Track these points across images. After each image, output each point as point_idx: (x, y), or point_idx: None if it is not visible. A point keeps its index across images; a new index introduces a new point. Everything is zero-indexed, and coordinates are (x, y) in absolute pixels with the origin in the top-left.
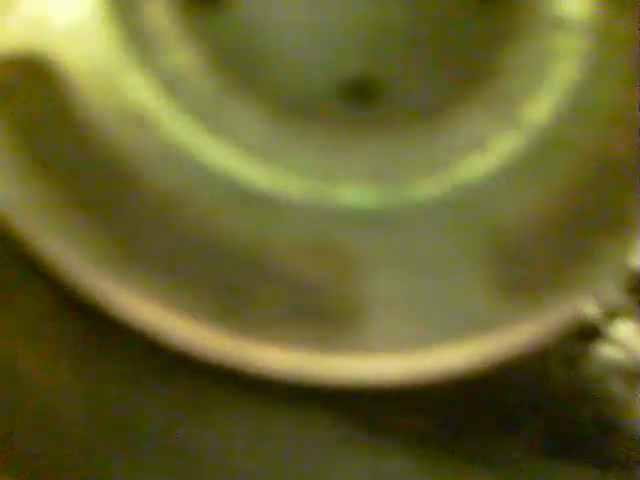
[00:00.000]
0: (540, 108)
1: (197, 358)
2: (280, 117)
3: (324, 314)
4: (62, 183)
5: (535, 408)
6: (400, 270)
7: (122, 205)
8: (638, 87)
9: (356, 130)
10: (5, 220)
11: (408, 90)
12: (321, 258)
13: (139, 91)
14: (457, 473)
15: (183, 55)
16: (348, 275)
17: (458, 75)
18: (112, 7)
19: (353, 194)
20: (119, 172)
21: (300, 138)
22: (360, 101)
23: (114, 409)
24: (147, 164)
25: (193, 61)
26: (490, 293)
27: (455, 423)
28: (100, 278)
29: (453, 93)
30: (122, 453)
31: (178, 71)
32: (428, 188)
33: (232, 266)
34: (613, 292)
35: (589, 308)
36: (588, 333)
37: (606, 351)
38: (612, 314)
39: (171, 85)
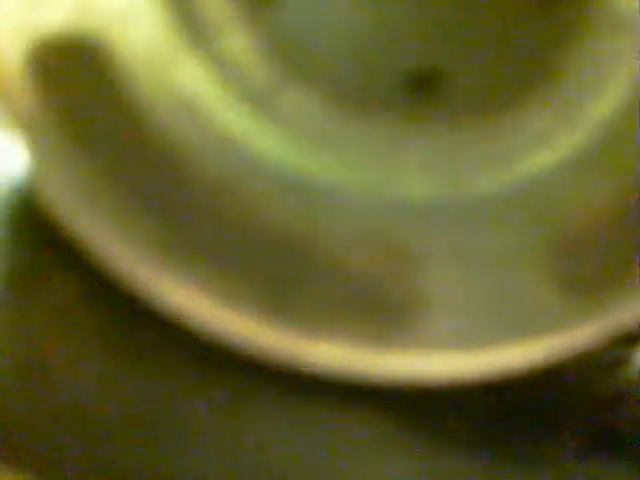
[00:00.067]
0: (604, 105)
1: (240, 351)
2: (339, 105)
3: (379, 309)
4: (108, 167)
5: (577, 410)
6: (460, 265)
7: (169, 190)
8: None
9: (417, 121)
10: (43, 204)
11: (473, 83)
12: (377, 251)
13: (192, 77)
14: (501, 473)
15: (238, 41)
16: (405, 269)
17: (522, 71)
18: None
19: (412, 186)
20: (168, 157)
21: (359, 127)
22: (423, 92)
23: (146, 405)
24: (197, 150)
25: (249, 47)
26: (552, 291)
27: (497, 424)
28: (141, 264)
29: (517, 88)
30: (154, 450)
31: (233, 57)
32: (490, 182)
33: (282, 256)
34: None
35: None
36: (632, 337)
37: None
38: None
39: (225, 71)
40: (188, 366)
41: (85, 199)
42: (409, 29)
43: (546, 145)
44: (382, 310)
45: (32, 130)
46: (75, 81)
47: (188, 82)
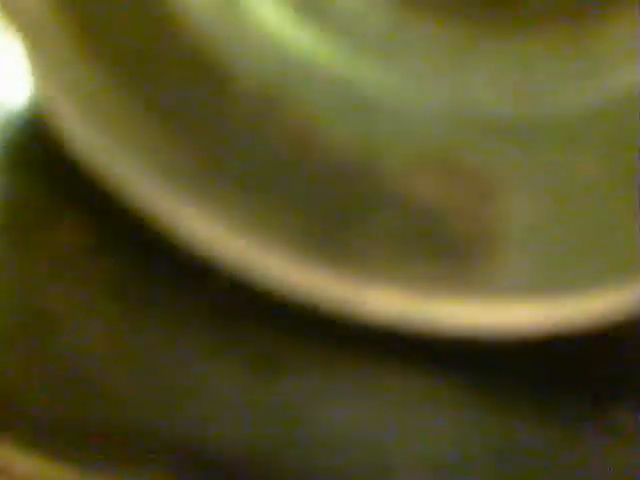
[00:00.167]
0: None
1: (286, 299)
2: (406, 9)
3: (444, 246)
4: (129, 80)
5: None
6: (539, 195)
7: (202, 108)
8: None
9: (495, 32)
10: (48, 130)
11: None
12: (447, 178)
13: None
14: (550, 438)
15: None
16: (476, 199)
17: None
18: None
19: (488, 104)
20: (201, 67)
21: (429, 36)
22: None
23: (161, 368)
24: (240, 58)
25: None
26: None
27: (549, 386)
28: (168, 198)
29: None
30: (170, 417)
31: None
32: (575, 100)
33: (335, 186)
34: None
35: None
36: None
37: None
38: None
39: None
40: (209, 323)
41: (100, 119)
42: None
43: (638, 58)
44: (448, 248)
45: (35, 34)
46: None
47: None
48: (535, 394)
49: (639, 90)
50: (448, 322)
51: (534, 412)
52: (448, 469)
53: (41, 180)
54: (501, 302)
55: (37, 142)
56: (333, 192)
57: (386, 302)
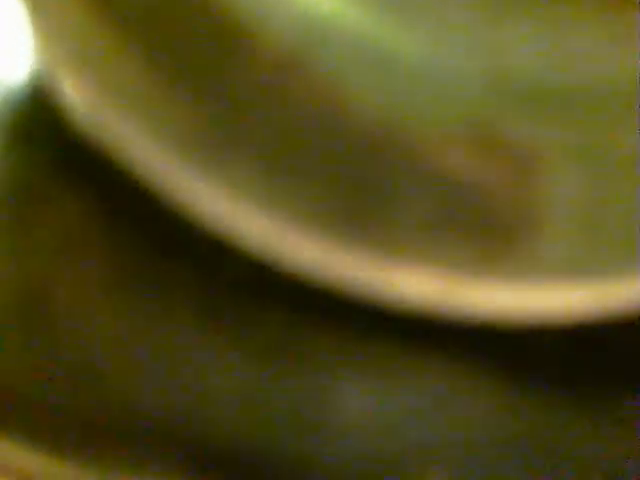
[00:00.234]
0: None
1: (303, 281)
2: None
3: (479, 227)
4: (139, 41)
5: None
6: (587, 171)
7: (215, 68)
8: None
9: None
10: (48, 93)
11: None
12: (483, 150)
13: None
14: (580, 422)
15: None
16: (518, 175)
17: None
18: None
19: (526, 70)
20: (219, 28)
21: None
22: None
23: (169, 354)
24: (258, 19)
25: None
26: None
27: (580, 369)
28: (177, 171)
29: None
30: (175, 406)
31: None
32: (627, 66)
33: (363, 155)
34: None
35: None
36: None
37: None
38: None
39: None
40: (223, 306)
41: (107, 88)
42: None
43: None
44: (483, 229)
45: None
46: None
47: None
48: (568, 382)
49: None
50: (485, 308)
51: (566, 400)
52: (477, 455)
53: (43, 156)
54: (544, 286)
55: (38, 117)
56: (359, 164)
57: (417, 286)
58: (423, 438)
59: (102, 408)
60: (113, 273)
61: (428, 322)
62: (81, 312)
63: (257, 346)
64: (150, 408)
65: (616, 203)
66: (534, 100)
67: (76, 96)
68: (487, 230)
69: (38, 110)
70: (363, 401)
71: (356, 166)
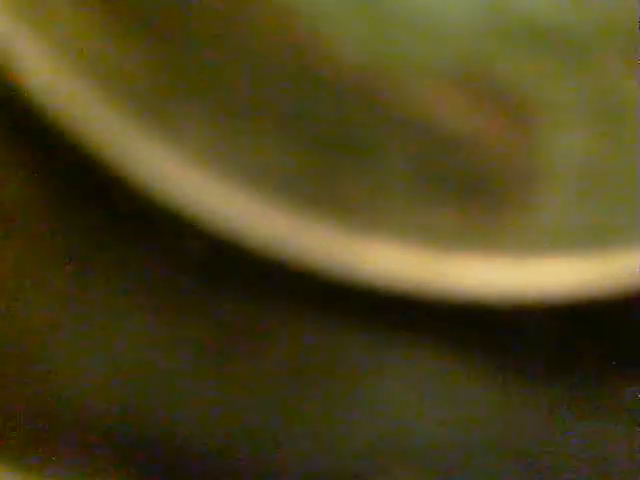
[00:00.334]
0: None
1: (264, 257)
2: None
3: (474, 187)
4: None
5: None
6: (593, 126)
7: (168, 12)
8: None
9: None
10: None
11: None
12: (475, 98)
13: None
14: (576, 409)
15: None
16: (514, 126)
17: None
18: None
19: (530, 7)
20: None
21: None
22: None
23: (109, 348)
24: None
25: None
26: None
27: (571, 355)
28: (123, 127)
29: None
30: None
31: None
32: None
33: (332, 105)
34: None
35: None
36: None
37: None
38: None
39: None
40: (169, 295)
41: (58, 39)
42: None
43: None
44: (474, 188)
45: None
46: None
47: None
48: (564, 364)
49: None
50: (471, 285)
51: (561, 384)
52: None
53: None
54: (539, 259)
55: None
56: (331, 115)
57: (394, 259)
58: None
59: (40, 401)
60: (56, 255)
61: (408, 300)
62: (22, 294)
63: (202, 339)
64: (92, 406)
65: (626, 162)
66: (532, 42)
67: (29, 55)
68: (476, 192)
69: None
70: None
71: (327, 118)
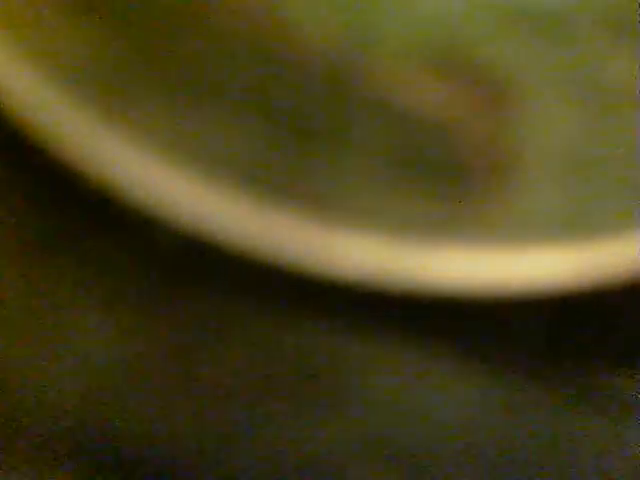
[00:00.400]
0: None
1: (231, 250)
2: None
3: (447, 172)
4: None
5: None
6: (576, 106)
7: None
8: None
9: None
10: None
11: None
12: (451, 79)
13: None
14: (564, 407)
15: None
16: (493, 108)
17: None
18: None
19: None
20: None
21: None
22: None
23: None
24: None
25: None
26: None
27: (563, 352)
28: (81, 116)
29: None
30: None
31: None
32: None
33: (303, 91)
34: None
35: None
36: None
37: None
38: None
39: None
40: (143, 286)
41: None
42: None
43: None
44: (447, 176)
45: None
46: None
47: None
48: (553, 358)
49: None
50: (447, 279)
51: (550, 378)
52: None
53: None
54: (521, 249)
55: None
56: (300, 104)
57: (364, 251)
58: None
59: None
60: (13, 246)
61: (384, 295)
62: None
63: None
64: (51, 402)
65: (612, 144)
66: (512, 20)
67: None
68: (455, 179)
69: None
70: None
71: (295, 103)
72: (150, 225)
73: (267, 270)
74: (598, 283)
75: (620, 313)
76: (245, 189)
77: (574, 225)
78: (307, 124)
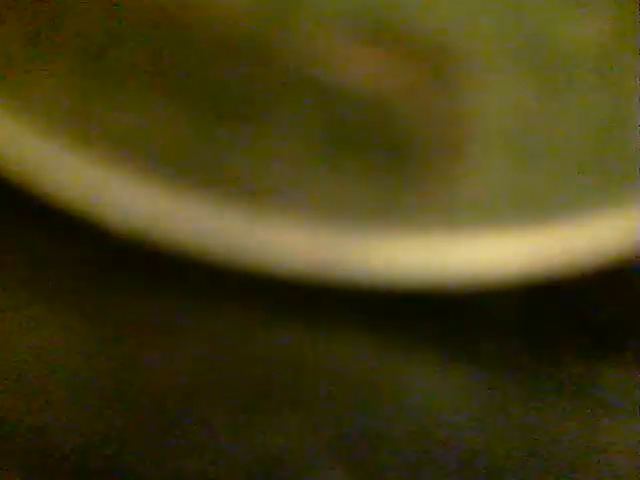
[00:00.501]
0: None
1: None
2: None
3: (386, 152)
4: None
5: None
6: (528, 76)
7: None
8: None
9: None
10: None
11: None
12: (392, 52)
13: None
14: (545, 397)
15: None
16: (438, 82)
17: None
18: None
19: None
20: None
21: None
22: None
23: None
24: None
25: None
26: None
27: (540, 339)
28: None
29: None
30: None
31: None
32: None
33: (228, 64)
34: None
35: None
36: None
37: None
38: None
39: None
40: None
41: None
42: None
43: None
44: (386, 156)
45: None
46: None
47: None
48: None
49: None
50: (392, 267)
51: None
52: None
53: None
54: (468, 236)
55: None
56: (220, 79)
57: (296, 240)
58: None
59: None
60: None
61: (316, 287)
62: None
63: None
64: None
65: (566, 119)
66: None
67: None
68: (393, 159)
69: None
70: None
71: (213, 78)
72: (86, 223)
73: (185, 260)
74: (561, 271)
75: (590, 302)
76: (158, 173)
77: (528, 208)
78: (226, 101)
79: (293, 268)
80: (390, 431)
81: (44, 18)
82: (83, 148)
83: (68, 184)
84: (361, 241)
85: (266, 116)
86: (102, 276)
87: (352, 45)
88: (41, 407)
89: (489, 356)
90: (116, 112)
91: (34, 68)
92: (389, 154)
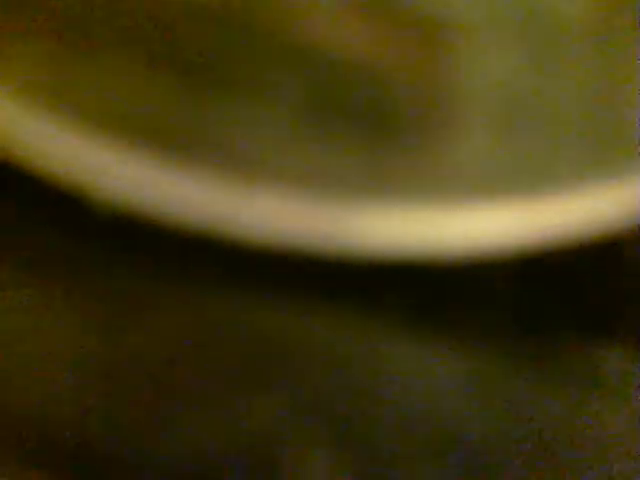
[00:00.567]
0: None
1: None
2: None
3: (375, 122)
4: None
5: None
6: (521, 48)
7: None
8: None
9: None
10: None
11: None
12: (378, 18)
13: None
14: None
15: None
16: (427, 52)
17: None
18: None
19: None
20: None
21: None
22: None
23: None
24: None
25: None
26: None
27: (536, 320)
28: None
29: None
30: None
31: None
32: None
33: (214, 31)
34: None
35: None
36: None
37: None
38: None
39: None
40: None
41: None
42: None
43: None
44: (375, 126)
45: None
46: None
47: None
48: (513, 328)
49: None
50: (384, 239)
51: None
52: None
53: None
54: (456, 205)
55: None
56: (206, 47)
57: (286, 212)
58: None
59: None
60: None
61: (307, 260)
62: None
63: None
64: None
65: (556, 85)
66: None
67: None
68: (384, 129)
69: None
70: None
71: (199, 47)
72: (70, 194)
73: (172, 233)
74: (556, 242)
75: (586, 273)
76: (147, 143)
77: (522, 179)
78: (213, 69)
79: (278, 239)
80: (377, 409)
81: None
82: (65, 117)
83: (49, 154)
84: (349, 211)
85: (251, 84)
86: (87, 250)
87: (340, 12)
88: (34, 382)
89: (483, 328)
90: (98, 81)
91: (13, 39)
92: (377, 123)
